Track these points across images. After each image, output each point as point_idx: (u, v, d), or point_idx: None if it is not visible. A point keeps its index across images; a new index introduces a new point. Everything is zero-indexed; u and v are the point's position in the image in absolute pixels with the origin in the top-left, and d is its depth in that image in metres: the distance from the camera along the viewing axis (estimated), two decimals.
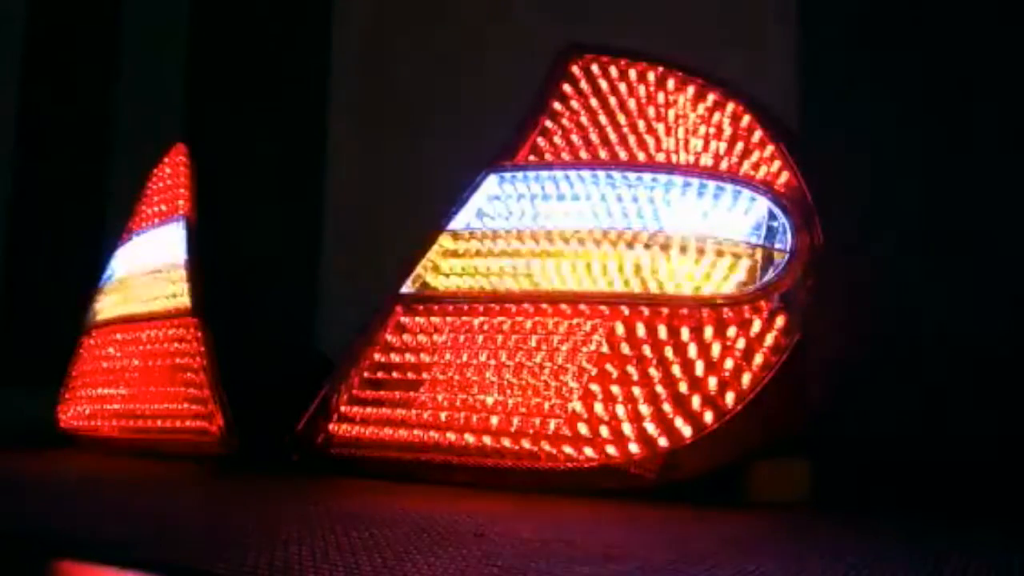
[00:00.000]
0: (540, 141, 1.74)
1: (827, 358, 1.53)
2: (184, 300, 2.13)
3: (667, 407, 1.49)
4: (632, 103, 1.69)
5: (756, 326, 1.49)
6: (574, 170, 1.68)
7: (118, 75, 3.20)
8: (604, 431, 1.51)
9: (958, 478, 1.53)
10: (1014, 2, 1.64)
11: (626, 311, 1.56)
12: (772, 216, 1.53)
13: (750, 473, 1.51)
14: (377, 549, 0.96)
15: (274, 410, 1.83)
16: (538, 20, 2.24)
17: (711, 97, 1.64)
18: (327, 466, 1.76)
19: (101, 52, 3.23)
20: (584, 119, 1.71)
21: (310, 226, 2.58)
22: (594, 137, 1.70)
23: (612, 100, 1.71)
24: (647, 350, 1.53)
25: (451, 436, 1.63)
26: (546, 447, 1.55)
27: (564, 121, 1.73)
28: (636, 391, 1.51)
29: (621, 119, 1.69)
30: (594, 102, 1.72)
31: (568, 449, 1.53)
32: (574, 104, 1.73)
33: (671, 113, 1.66)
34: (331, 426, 1.76)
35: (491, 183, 1.73)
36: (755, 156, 1.58)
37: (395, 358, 1.73)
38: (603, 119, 1.70)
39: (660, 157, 1.64)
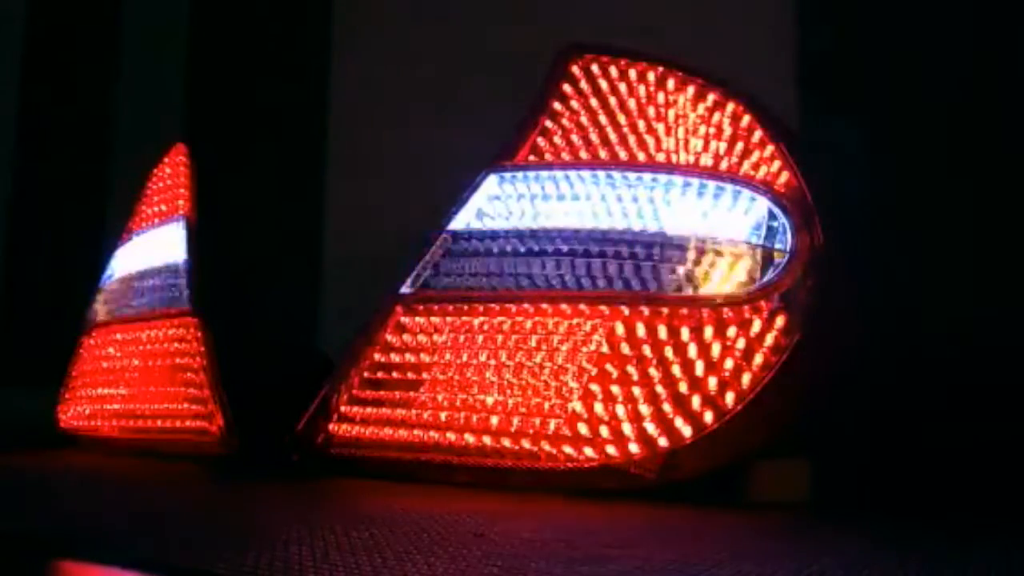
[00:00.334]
0: (540, 141, 1.74)
1: (827, 358, 1.53)
2: (184, 300, 2.13)
3: (667, 407, 1.48)
4: (632, 103, 1.69)
5: (756, 326, 1.49)
6: (574, 170, 1.68)
7: (118, 75, 3.20)
8: (604, 431, 1.51)
9: (958, 478, 1.53)
10: (1014, 2, 1.64)
11: (626, 311, 1.56)
12: (772, 216, 1.53)
13: (750, 473, 1.51)
14: (377, 549, 0.96)
15: (274, 410, 1.83)
16: (538, 20, 2.24)
17: (711, 97, 1.64)
18: (327, 466, 1.76)
19: (101, 52, 3.23)
20: (584, 119, 1.71)
21: (310, 226, 2.59)
22: (594, 137, 1.70)
23: (612, 100, 1.70)
24: (647, 350, 1.53)
25: (451, 436, 1.63)
26: (546, 447, 1.55)
27: (564, 121, 1.73)
28: (636, 391, 1.51)
29: (621, 119, 1.69)
30: (594, 102, 1.72)
31: (568, 449, 1.53)
32: (574, 104, 1.73)
33: (671, 113, 1.66)
34: (331, 426, 1.76)
35: (491, 183, 1.73)
36: (755, 156, 1.58)
37: (395, 358, 1.73)
38: (603, 119, 1.70)
39: (660, 157, 1.64)
